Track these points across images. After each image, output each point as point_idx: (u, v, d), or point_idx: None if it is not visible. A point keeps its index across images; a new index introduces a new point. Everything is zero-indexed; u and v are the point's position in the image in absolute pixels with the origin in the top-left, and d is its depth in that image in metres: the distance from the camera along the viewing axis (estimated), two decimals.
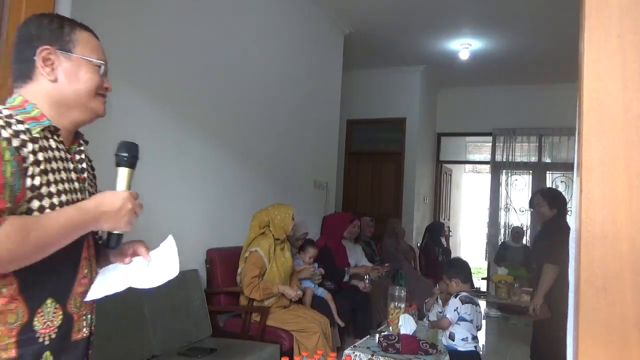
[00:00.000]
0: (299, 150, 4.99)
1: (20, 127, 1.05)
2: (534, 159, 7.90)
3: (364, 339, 2.94)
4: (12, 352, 1.02)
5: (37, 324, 1.06)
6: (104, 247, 1.24)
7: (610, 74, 0.61)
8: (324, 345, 3.19)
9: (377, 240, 5.91)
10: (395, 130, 7.40)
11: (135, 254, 1.29)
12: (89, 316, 1.19)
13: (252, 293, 3.27)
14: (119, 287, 1.21)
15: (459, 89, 8.17)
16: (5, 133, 1.01)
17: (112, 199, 1.13)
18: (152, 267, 1.28)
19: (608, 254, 0.59)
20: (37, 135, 1.07)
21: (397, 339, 2.64)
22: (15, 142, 1.01)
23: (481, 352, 3.00)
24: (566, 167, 7.51)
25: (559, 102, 6.82)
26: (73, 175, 1.17)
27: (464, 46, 6.22)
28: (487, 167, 8.59)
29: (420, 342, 2.66)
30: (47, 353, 1.07)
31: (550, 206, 3.45)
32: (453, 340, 2.86)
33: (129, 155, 1.21)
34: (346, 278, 4.46)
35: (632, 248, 0.59)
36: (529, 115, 7.61)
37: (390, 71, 7.25)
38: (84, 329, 1.18)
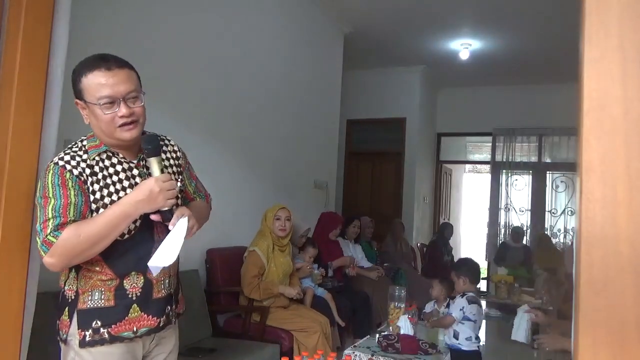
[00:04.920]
0: (299, 150, 4.99)
1: (84, 156, 1.41)
2: (534, 159, 7.90)
3: (364, 339, 2.94)
4: (112, 302, 1.44)
5: (127, 285, 1.46)
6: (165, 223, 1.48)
7: (610, 74, 0.61)
8: (323, 344, 3.18)
9: (378, 240, 5.91)
10: (395, 130, 7.40)
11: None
12: (166, 281, 1.54)
13: (252, 293, 3.27)
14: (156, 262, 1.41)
15: (459, 89, 8.17)
16: (69, 166, 1.37)
17: (141, 188, 1.39)
18: (164, 246, 1.41)
19: (608, 254, 0.59)
20: (97, 158, 1.43)
21: (396, 339, 2.64)
22: (76, 172, 1.38)
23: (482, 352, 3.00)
24: (566, 167, 7.51)
25: (559, 102, 6.80)
26: (138, 180, 1.48)
27: (464, 46, 6.22)
28: (487, 167, 8.59)
29: (420, 342, 2.66)
30: (135, 305, 1.47)
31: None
32: (457, 339, 2.85)
33: (151, 147, 1.44)
34: (330, 273, 4.50)
35: (632, 248, 0.59)
36: (529, 115, 7.61)
37: (390, 71, 7.24)
38: (163, 291, 1.53)
